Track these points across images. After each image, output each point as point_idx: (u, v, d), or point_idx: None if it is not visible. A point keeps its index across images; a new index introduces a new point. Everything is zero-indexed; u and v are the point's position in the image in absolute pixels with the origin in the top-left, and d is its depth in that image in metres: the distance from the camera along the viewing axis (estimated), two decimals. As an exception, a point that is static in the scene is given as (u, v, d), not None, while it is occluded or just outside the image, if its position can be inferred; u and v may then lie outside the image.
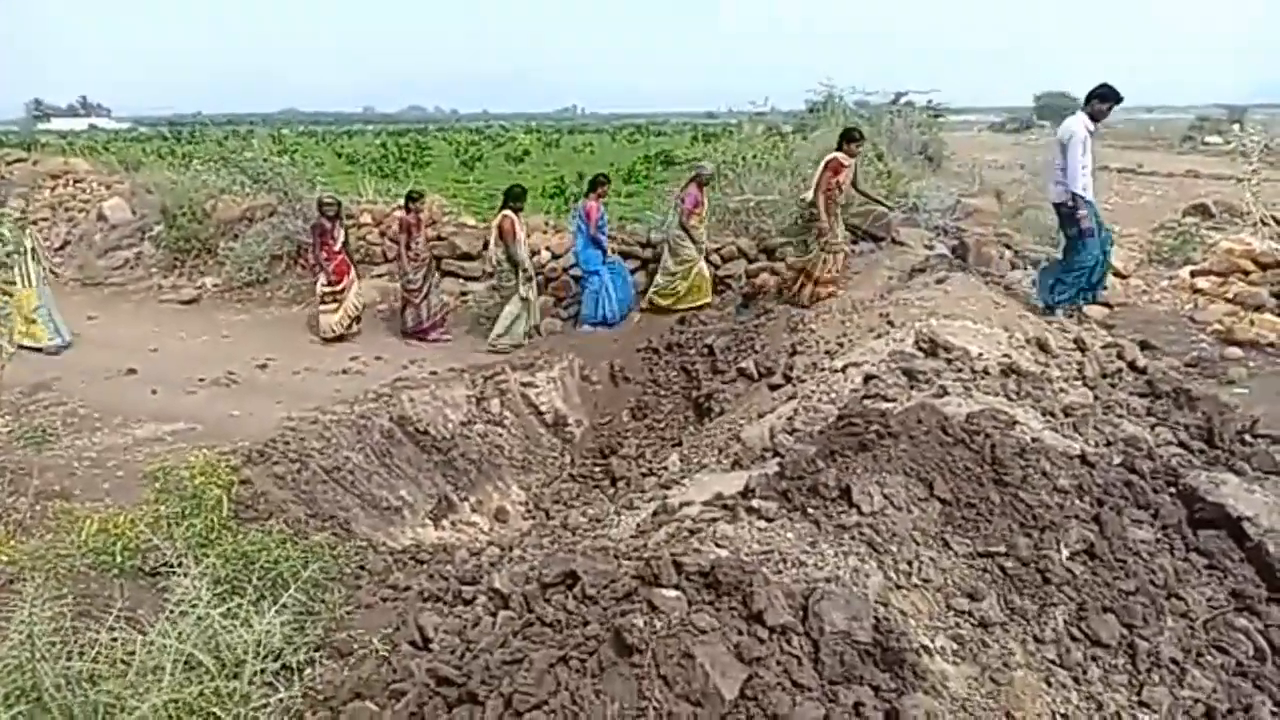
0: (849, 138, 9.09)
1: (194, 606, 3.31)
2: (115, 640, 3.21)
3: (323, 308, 10.38)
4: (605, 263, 10.32)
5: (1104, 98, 7.78)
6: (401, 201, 13.21)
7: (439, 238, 12.03)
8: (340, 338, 10.34)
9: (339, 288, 10.32)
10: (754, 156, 12.56)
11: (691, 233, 10.04)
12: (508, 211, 10.10)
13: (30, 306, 9.63)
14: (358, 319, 10.57)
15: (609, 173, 11.74)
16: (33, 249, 9.86)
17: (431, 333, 10.51)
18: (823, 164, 9.06)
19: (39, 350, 9.56)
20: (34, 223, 9.76)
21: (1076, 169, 7.57)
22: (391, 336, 10.54)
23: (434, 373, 8.92)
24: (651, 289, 10.39)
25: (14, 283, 9.50)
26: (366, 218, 12.93)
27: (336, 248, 10.39)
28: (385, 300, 11.50)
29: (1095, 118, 7.80)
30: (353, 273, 10.61)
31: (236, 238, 13.02)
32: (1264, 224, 11.13)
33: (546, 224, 12.20)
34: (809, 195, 9.19)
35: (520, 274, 10.12)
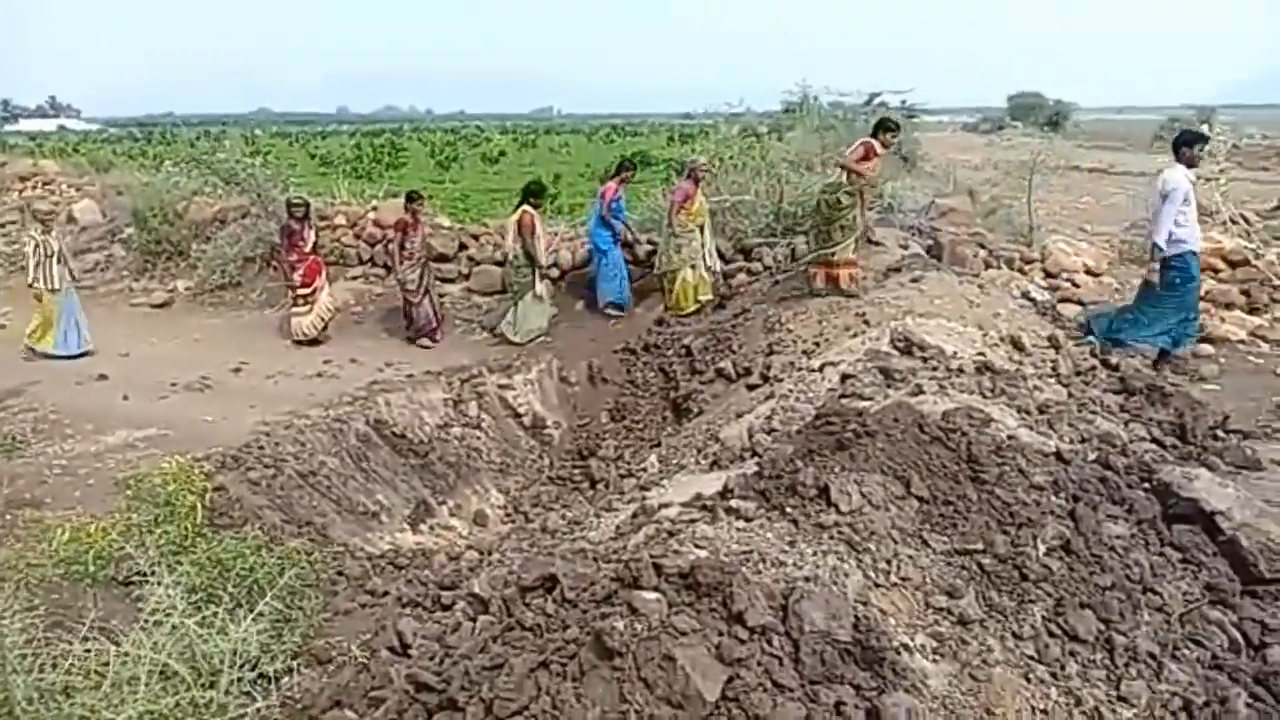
0: (885, 127, 8.69)
1: (169, 616, 3.27)
2: (89, 651, 3.16)
3: (294, 310, 10.30)
4: (619, 245, 10.43)
5: (1191, 143, 7.81)
6: (375, 203, 13.18)
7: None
8: (314, 341, 10.25)
9: (310, 289, 10.23)
10: (730, 157, 12.58)
11: (677, 233, 9.87)
12: (527, 207, 10.12)
13: (55, 312, 9.59)
14: (330, 322, 10.48)
15: (580, 172, 11.72)
16: (59, 251, 9.79)
17: (437, 333, 10.44)
18: (857, 144, 8.72)
19: (56, 357, 9.50)
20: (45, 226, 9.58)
21: (1163, 221, 7.51)
22: (365, 339, 10.46)
23: (410, 375, 8.87)
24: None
25: (54, 288, 9.51)
26: (341, 219, 12.82)
27: (307, 249, 10.31)
28: (360, 302, 11.42)
29: (1191, 164, 7.82)
30: (324, 275, 10.53)
31: (209, 240, 12.89)
32: (1233, 222, 11.28)
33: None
34: (837, 178, 8.66)
35: (535, 270, 10.12)
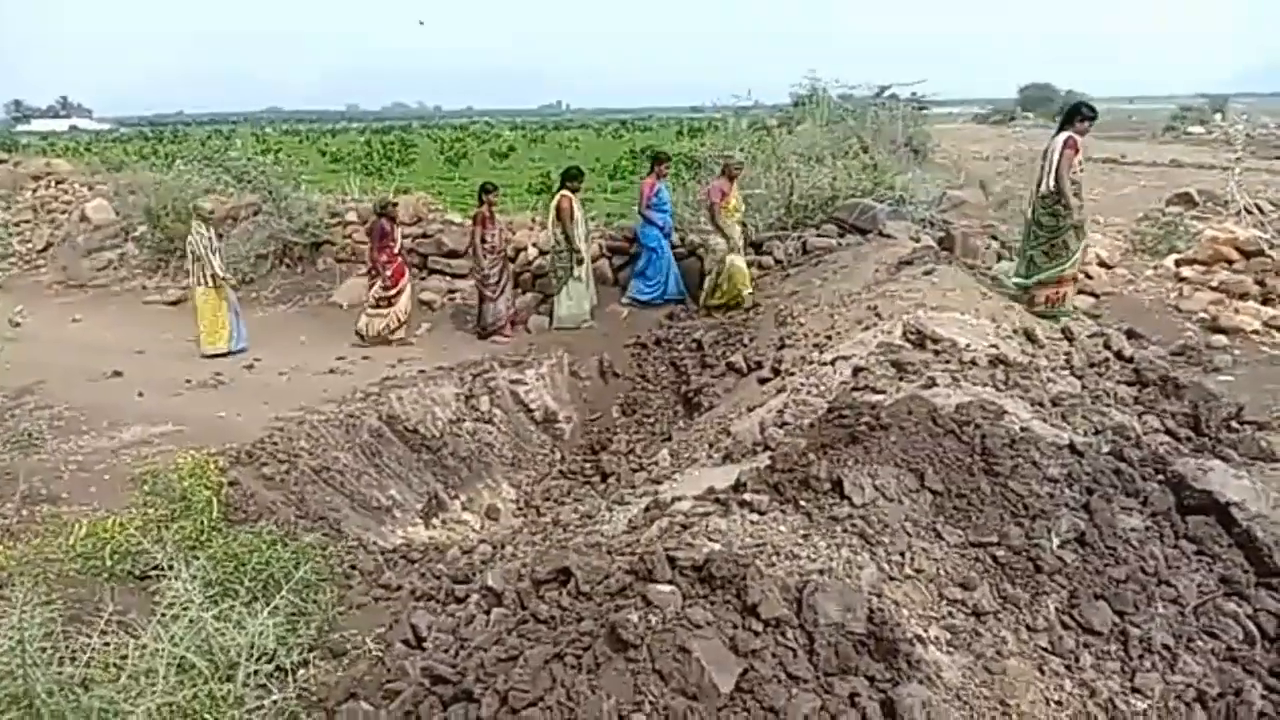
0: (1081, 115, 7.85)
1: (186, 609, 3.29)
2: (107, 644, 3.19)
3: (372, 311, 10.08)
4: (666, 237, 10.32)
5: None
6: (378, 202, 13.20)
7: (424, 235, 12.00)
8: (384, 341, 10.04)
9: (394, 291, 10.05)
10: (740, 150, 12.57)
11: (723, 227, 9.71)
12: (565, 192, 10.02)
13: (224, 308, 9.67)
14: (405, 324, 10.29)
15: (582, 167, 11.62)
16: (220, 248, 9.84)
17: (507, 328, 10.27)
18: (1059, 145, 7.74)
19: (221, 355, 9.56)
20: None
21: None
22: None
23: (422, 371, 8.89)
24: (702, 295, 10.13)
25: (217, 284, 9.56)
26: (352, 216, 12.86)
27: (396, 249, 10.18)
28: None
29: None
30: (407, 276, 10.37)
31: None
32: (1248, 212, 11.21)
33: (533, 220, 12.16)
34: (1048, 184, 7.76)
35: (573, 255, 10.01)
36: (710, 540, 3.41)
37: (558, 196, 10.11)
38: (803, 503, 3.65)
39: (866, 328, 7.03)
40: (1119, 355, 6.68)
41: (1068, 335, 6.92)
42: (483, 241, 10.08)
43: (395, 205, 10.37)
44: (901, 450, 3.84)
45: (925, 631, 3.06)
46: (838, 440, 4.08)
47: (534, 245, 11.38)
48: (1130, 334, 7.63)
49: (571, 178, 10.21)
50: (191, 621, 3.27)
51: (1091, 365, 6.35)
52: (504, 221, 12.22)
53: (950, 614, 3.17)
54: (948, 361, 5.71)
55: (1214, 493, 3.82)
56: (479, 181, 12.10)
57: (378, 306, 10.08)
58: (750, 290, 9.74)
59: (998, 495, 3.66)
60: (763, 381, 7.22)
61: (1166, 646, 3.15)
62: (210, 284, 9.52)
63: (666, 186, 10.64)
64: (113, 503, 5.44)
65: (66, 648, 3.15)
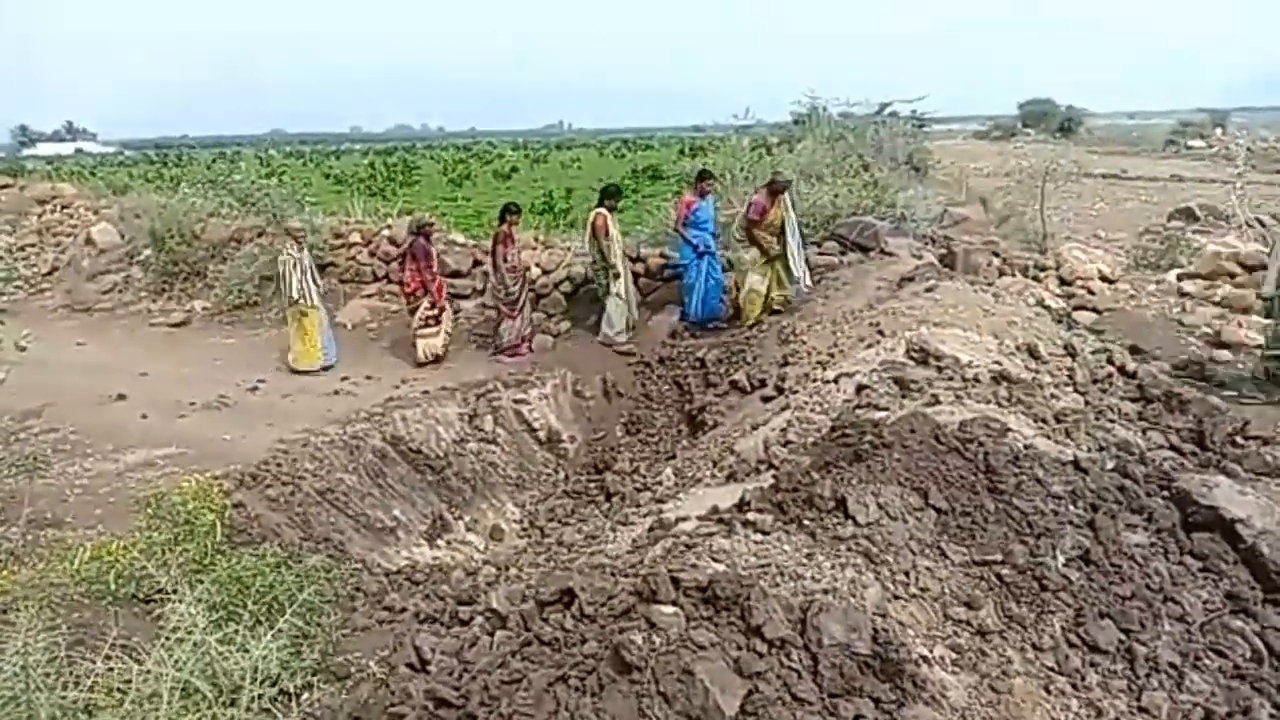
0: None
1: (190, 633, 3.29)
2: (111, 669, 3.19)
3: (423, 332, 10.07)
4: (702, 257, 10.01)
5: None
6: (390, 221, 13.26)
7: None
8: (436, 359, 10.08)
9: (439, 310, 10.11)
10: (741, 169, 12.61)
11: (760, 242, 9.55)
12: (601, 209, 10.00)
13: (316, 326, 9.78)
14: (452, 338, 10.35)
15: (592, 186, 11.62)
16: (311, 266, 9.92)
17: (522, 347, 10.25)
18: None
19: (307, 372, 9.70)
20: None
21: None
22: (386, 356, 10.49)
23: (425, 391, 8.90)
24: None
25: (310, 303, 9.67)
26: (356, 237, 12.92)
27: (435, 267, 10.23)
28: (375, 319, 11.47)
29: None
30: (445, 294, 10.40)
31: (225, 260, 12.99)
32: (1249, 226, 11.23)
33: (536, 239, 12.20)
34: None
35: (610, 272, 9.97)
36: (714, 561, 3.40)
37: (593, 214, 10.09)
38: (806, 522, 3.65)
39: (869, 345, 7.03)
40: (1122, 370, 6.68)
41: (1070, 351, 6.92)
42: (505, 260, 10.11)
43: (432, 225, 10.40)
44: (905, 468, 3.84)
45: (930, 651, 3.05)
46: (841, 459, 4.08)
47: (536, 265, 11.42)
48: (1133, 349, 7.64)
49: (610, 195, 10.20)
50: (195, 645, 3.27)
51: (1095, 381, 6.35)
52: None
53: (955, 633, 3.15)
54: (951, 379, 5.71)
55: (1219, 509, 3.81)
56: (482, 202, 12.16)
57: (427, 326, 10.09)
58: (757, 318, 9.60)
59: (1002, 513, 3.65)
60: (766, 399, 7.22)
61: (1173, 665, 3.13)
62: (305, 302, 9.66)
63: (710, 204, 10.33)
64: (117, 526, 5.45)
65: (70, 673, 3.15)
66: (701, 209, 10.11)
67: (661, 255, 11.04)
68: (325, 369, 9.83)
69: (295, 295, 9.65)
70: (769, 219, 9.58)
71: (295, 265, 9.64)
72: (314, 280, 9.84)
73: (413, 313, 10.17)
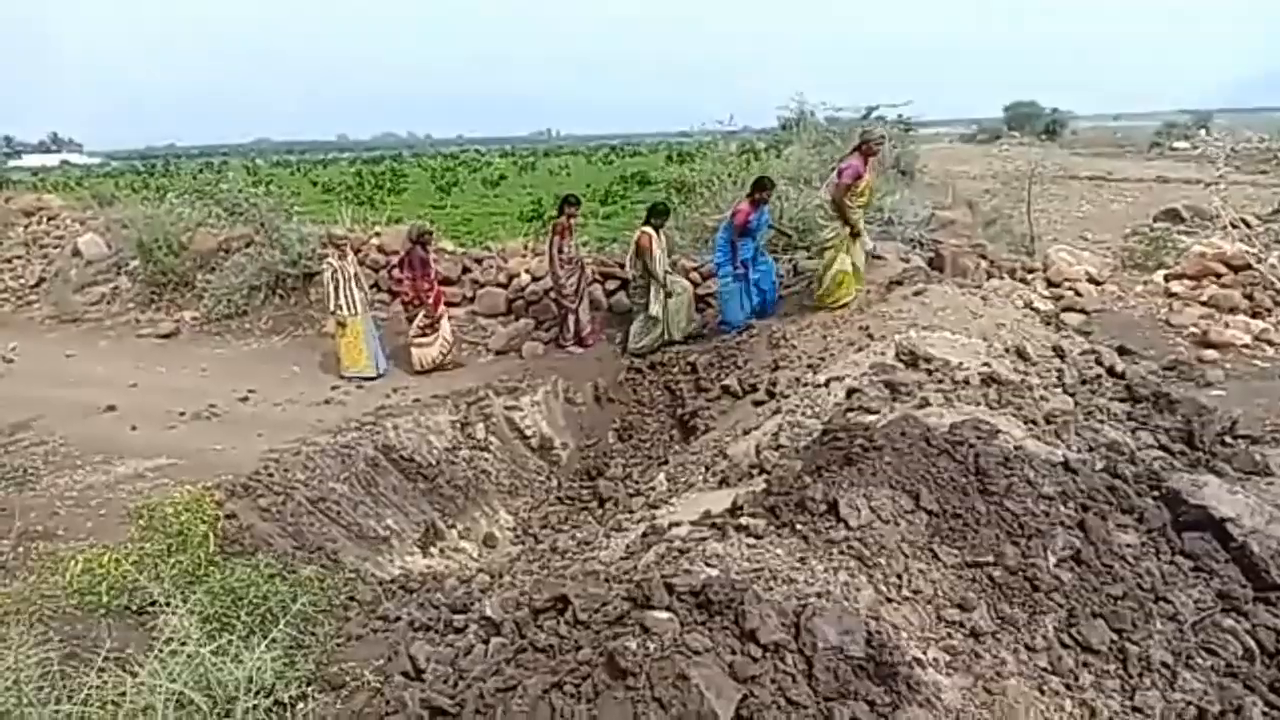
0: None
1: (183, 644, 3.28)
2: (104, 681, 3.17)
3: (420, 340, 10.07)
4: (742, 262, 9.67)
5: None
6: (378, 229, 13.24)
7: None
8: (438, 367, 10.10)
9: (436, 318, 10.10)
10: (729, 174, 12.64)
11: (847, 213, 8.75)
12: (647, 228, 9.92)
13: (361, 335, 9.78)
14: (454, 345, 10.36)
15: (581, 193, 11.58)
16: (355, 275, 9.89)
17: (590, 338, 10.40)
18: None
19: (363, 380, 9.72)
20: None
21: None
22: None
23: (417, 400, 8.89)
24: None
25: (350, 312, 9.65)
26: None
27: (433, 275, 10.25)
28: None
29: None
30: (443, 303, 10.40)
31: (214, 270, 12.95)
32: (1234, 227, 11.31)
33: (525, 247, 12.21)
34: None
35: (653, 289, 9.88)
36: (707, 565, 3.41)
37: (638, 233, 9.98)
38: (799, 526, 3.66)
39: (859, 349, 7.06)
40: (1111, 371, 6.71)
41: (1059, 353, 6.96)
42: (560, 252, 10.16)
43: (430, 233, 10.40)
44: (896, 471, 3.86)
45: (924, 653, 3.06)
46: (833, 462, 4.10)
47: (526, 272, 11.42)
48: (1121, 350, 7.68)
49: (657, 214, 10.04)
50: (189, 657, 3.26)
51: (1084, 382, 6.38)
52: (496, 249, 12.30)
53: (948, 635, 3.17)
54: (940, 381, 5.74)
55: (1209, 508, 3.83)
56: (471, 209, 12.15)
57: (423, 335, 10.10)
58: (853, 296, 8.86)
59: (993, 514, 3.67)
60: (757, 404, 7.23)
61: (1166, 664, 3.15)
62: (346, 311, 9.67)
63: (766, 213, 9.90)
64: (109, 538, 5.42)
65: (64, 685, 3.13)
66: (757, 218, 9.66)
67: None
68: (375, 377, 9.83)
69: (333, 306, 9.70)
70: (863, 186, 8.79)
71: (337, 274, 9.64)
72: (356, 289, 9.80)
73: (410, 321, 10.19)
